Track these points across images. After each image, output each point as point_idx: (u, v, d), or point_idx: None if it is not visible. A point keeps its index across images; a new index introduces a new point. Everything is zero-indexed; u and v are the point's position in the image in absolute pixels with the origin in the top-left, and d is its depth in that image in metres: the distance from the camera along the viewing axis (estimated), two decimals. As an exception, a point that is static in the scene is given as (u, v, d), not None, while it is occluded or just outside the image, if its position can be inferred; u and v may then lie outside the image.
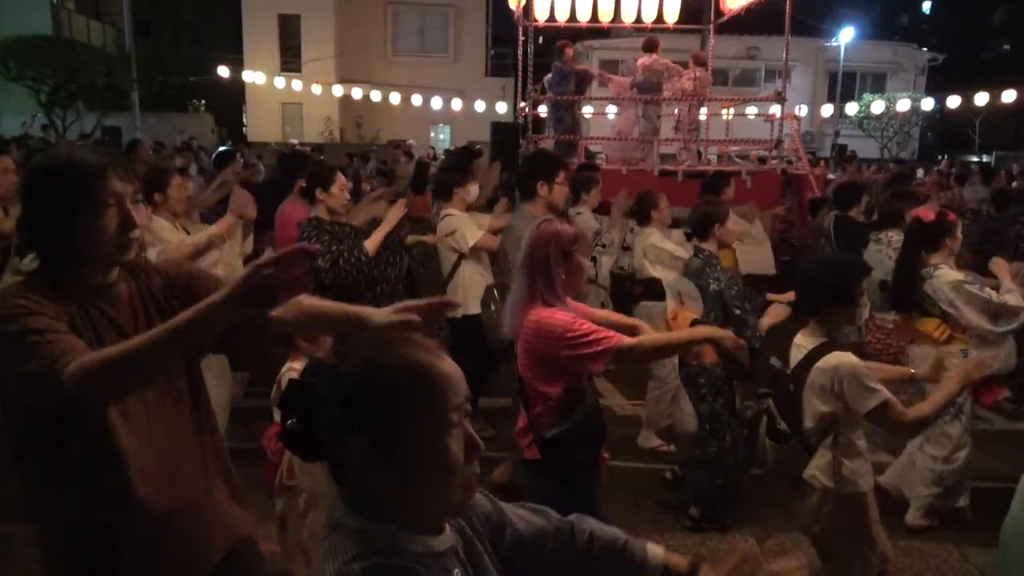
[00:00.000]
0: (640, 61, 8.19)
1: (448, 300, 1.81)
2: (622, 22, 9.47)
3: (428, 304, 1.67)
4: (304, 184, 3.68)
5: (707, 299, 3.45)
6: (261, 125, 22.93)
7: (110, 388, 1.34)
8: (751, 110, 13.70)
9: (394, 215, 3.73)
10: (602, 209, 5.05)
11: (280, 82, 19.08)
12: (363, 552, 1.00)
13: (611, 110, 11.76)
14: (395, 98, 18.20)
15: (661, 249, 4.38)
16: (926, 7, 39.30)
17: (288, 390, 1.08)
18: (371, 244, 3.62)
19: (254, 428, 4.55)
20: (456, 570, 1.08)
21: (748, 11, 9.05)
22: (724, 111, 10.41)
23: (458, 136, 22.67)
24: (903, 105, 19.26)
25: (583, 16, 9.32)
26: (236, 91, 23.06)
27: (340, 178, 3.73)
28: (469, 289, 4.30)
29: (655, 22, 9.42)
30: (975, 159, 24.87)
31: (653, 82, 8.20)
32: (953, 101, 16.25)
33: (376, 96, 18.54)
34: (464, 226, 4.36)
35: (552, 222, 2.51)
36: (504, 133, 7.81)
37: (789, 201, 7.30)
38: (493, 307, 3.59)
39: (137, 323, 1.57)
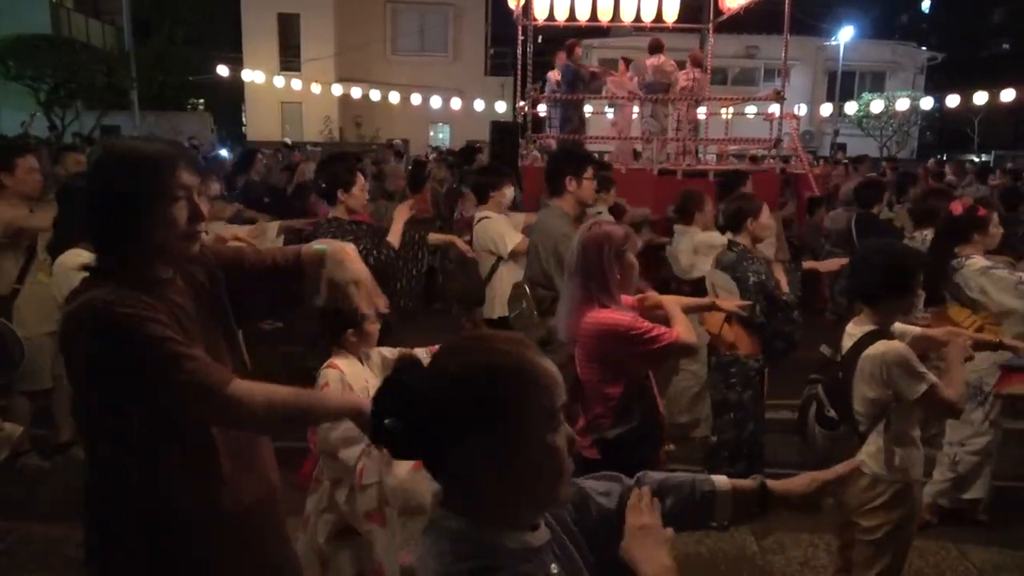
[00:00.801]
0: (649, 62, 8.21)
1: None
2: (621, 21, 9.46)
3: None
4: (324, 185, 3.71)
5: (748, 291, 3.44)
6: (260, 124, 22.92)
7: (252, 422, 1.50)
8: (750, 109, 13.70)
9: (402, 212, 3.76)
10: (613, 212, 5.08)
11: (279, 81, 19.06)
12: (466, 552, 1.00)
13: (609, 110, 11.77)
14: (394, 97, 18.19)
15: (713, 245, 4.35)
16: (925, 6, 39.31)
17: (386, 388, 1.07)
18: (394, 238, 3.65)
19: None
20: (552, 564, 1.09)
21: (747, 10, 9.05)
22: (723, 110, 10.41)
23: (457, 135, 22.67)
24: (902, 104, 19.28)
25: (582, 15, 9.31)
26: (235, 90, 23.05)
27: (360, 179, 3.75)
28: (506, 291, 4.30)
29: (654, 21, 9.41)
30: (974, 158, 24.89)
31: (663, 83, 8.22)
32: (952, 100, 16.25)
33: (375, 95, 18.54)
34: (503, 230, 4.39)
35: (601, 224, 2.53)
36: (504, 132, 7.81)
37: (788, 200, 7.31)
38: (524, 304, 3.67)
39: (199, 316, 1.59)
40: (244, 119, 25.14)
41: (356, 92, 18.88)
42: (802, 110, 16.00)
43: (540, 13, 8.86)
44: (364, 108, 21.78)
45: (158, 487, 1.51)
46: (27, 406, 4.08)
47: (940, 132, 29.57)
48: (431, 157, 13.00)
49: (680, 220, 4.84)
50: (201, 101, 26.90)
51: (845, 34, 24.19)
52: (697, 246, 4.50)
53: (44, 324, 3.85)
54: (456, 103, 17.98)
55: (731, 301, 3.28)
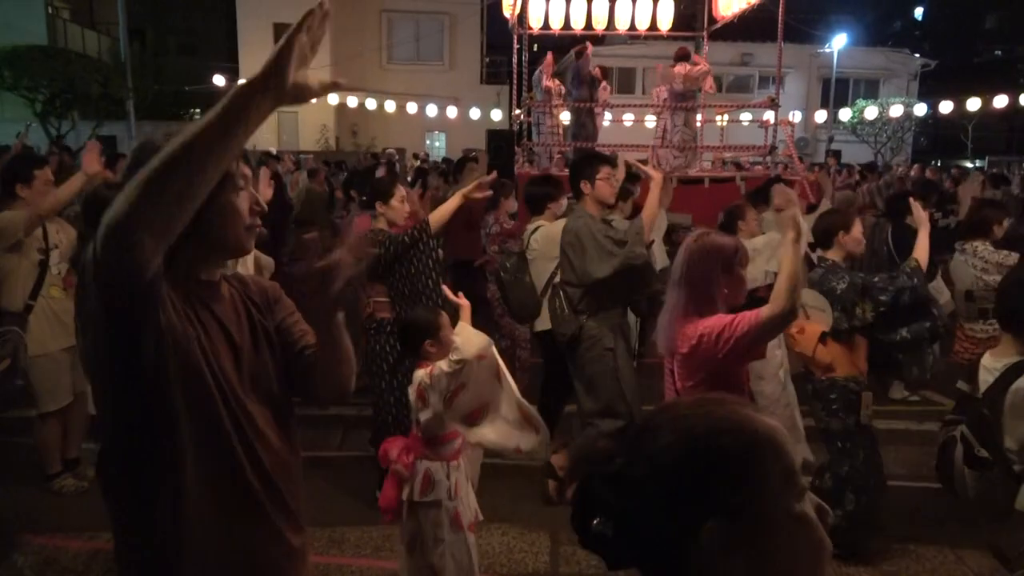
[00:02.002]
0: (677, 69, 8.20)
1: None
2: (616, 29, 9.53)
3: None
4: (364, 197, 3.74)
5: (839, 301, 3.27)
6: (256, 133, 22.78)
7: (150, 211, 1.14)
8: (745, 116, 13.77)
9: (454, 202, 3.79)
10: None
11: (275, 90, 19.08)
12: None
13: (627, 117, 11.81)
14: (390, 106, 18.22)
15: (755, 249, 4.27)
16: (918, 13, 39.56)
17: (591, 487, 0.88)
18: (435, 218, 3.72)
19: (323, 435, 4.62)
20: None
21: (741, 18, 9.11)
22: (718, 117, 10.46)
23: (454, 143, 22.70)
24: (896, 111, 19.39)
25: (577, 23, 9.37)
26: (232, 99, 23.05)
27: (400, 190, 3.79)
28: None
29: (649, 29, 9.48)
30: (968, 164, 25.01)
31: (693, 90, 8.25)
32: (946, 107, 16.35)
33: (371, 104, 18.57)
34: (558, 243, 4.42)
35: (709, 235, 2.46)
36: (500, 140, 7.84)
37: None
38: (558, 303, 3.82)
39: (240, 325, 1.50)
40: (240, 128, 25.13)
41: (352, 101, 18.91)
42: (797, 117, 16.08)
43: (535, 22, 8.92)
44: (360, 117, 21.81)
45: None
46: (56, 428, 4.02)
47: (934, 138, 29.73)
48: (413, 165, 13.01)
49: (725, 231, 4.77)
50: (197, 111, 26.94)
51: (839, 41, 24.35)
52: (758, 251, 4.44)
53: (60, 340, 3.80)
54: (452, 111, 18.02)
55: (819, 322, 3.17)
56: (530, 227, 4.55)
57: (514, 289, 4.37)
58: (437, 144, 24.44)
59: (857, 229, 3.51)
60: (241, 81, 1.07)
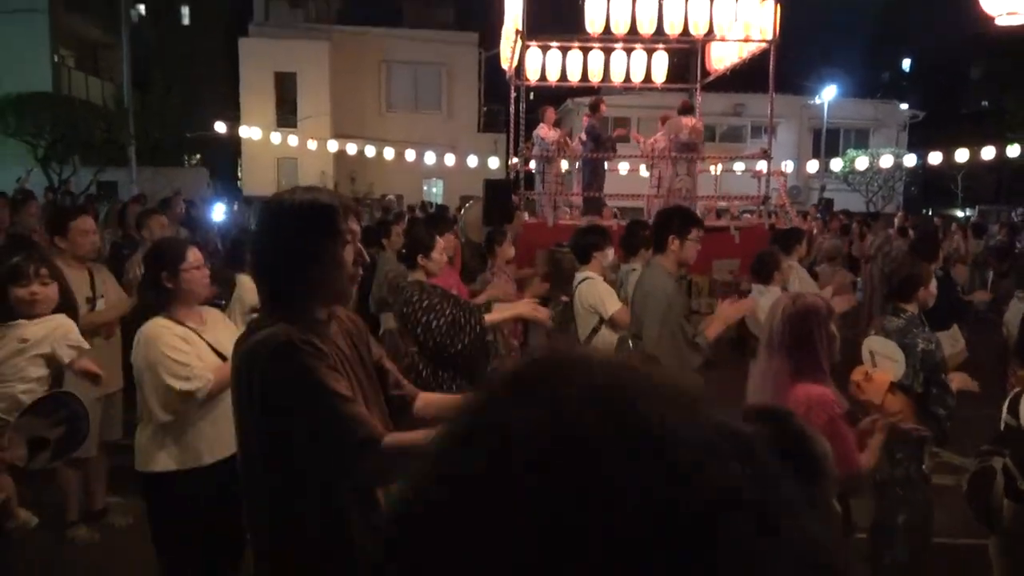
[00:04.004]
0: (684, 121, 8.43)
1: None
2: (611, 81, 9.74)
3: None
4: (405, 250, 3.73)
5: (914, 358, 3.27)
6: (256, 179, 23.15)
7: (397, 475, 1.47)
8: (738, 166, 13.99)
9: (527, 308, 3.63)
10: None
11: (276, 137, 19.36)
12: None
13: (622, 167, 12.03)
14: (389, 153, 18.47)
15: None
16: (906, 65, 40.49)
17: None
18: (492, 318, 3.57)
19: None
20: None
21: (733, 70, 9.34)
22: (712, 167, 10.65)
23: (451, 190, 22.94)
24: (886, 161, 19.70)
25: (573, 76, 9.59)
26: (232, 145, 23.38)
27: (440, 243, 3.76)
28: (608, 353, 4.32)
29: (643, 81, 9.69)
30: (959, 212, 25.31)
31: (696, 142, 8.45)
32: (935, 157, 16.63)
33: (370, 151, 18.82)
34: (605, 295, 4.45)
35: (804, 296, 2.52)
36: (497, 189, 7.95)
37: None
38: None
39: (352, 360, 1.68)
40: (240, 174, 25.41)
41: (351, 148, 19.17)
42: (789, 166, 16.33)
43: (532, 73, 9.12)
44: (359, 163, 22.08)
45: (332, 517, 1.57)
46: (76, 475, 4.02)
47: (925, 187, 30.12)
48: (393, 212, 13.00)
49: (759, 279, 4.82)
50: (198, 156, 27.23)
51: (828, 93, 24.86)
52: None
53: (97, 388, 3.77)
54: (450, 159, 18.26)
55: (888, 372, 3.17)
56: (578, 276, 4.59)
57: (560, 339, 4.41)
58: (434, 191, 24.68)
59: (933, 284, 3.56)
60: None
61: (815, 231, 10.46)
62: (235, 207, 10.42)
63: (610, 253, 4.70)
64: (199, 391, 2.59)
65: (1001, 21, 5.73)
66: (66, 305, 3.02)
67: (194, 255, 2.81)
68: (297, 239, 1.60)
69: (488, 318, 3.55)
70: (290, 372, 1.48)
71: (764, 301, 4.58)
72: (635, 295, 3.75)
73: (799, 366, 2.39)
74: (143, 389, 2.66)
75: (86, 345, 3.08)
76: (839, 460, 2.23)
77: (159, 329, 2.64)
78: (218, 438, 2.75)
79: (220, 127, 19.16)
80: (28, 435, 2.42)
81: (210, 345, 2.72)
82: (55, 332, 2.93)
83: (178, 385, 2.57)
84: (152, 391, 2.62)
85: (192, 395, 2.59)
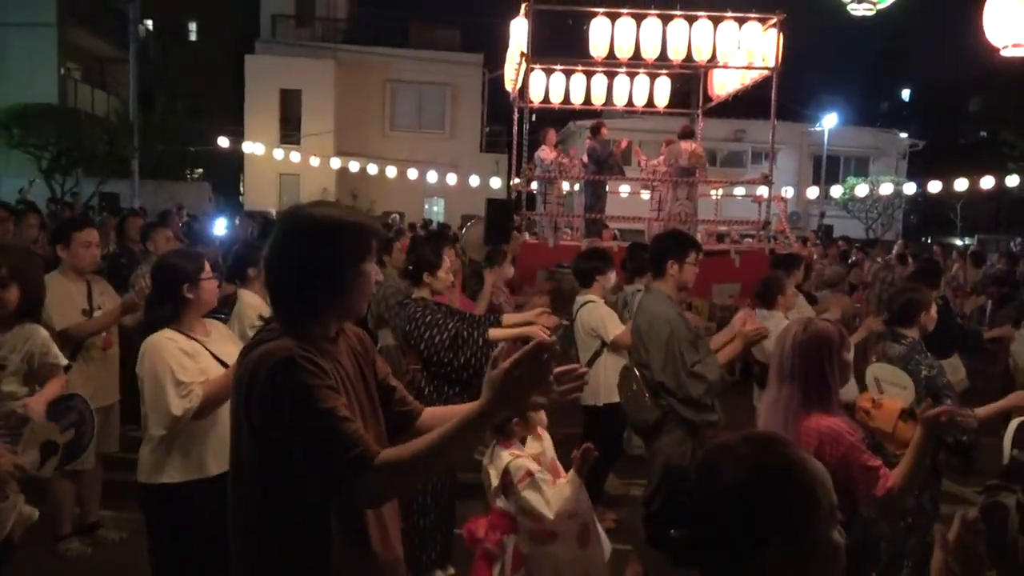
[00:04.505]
0: (684, 146, 8.49)
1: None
2: (614, 105, 9.82)
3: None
4: (411, 267, 3.70)
5: (918, 384, 3.20)
6: (258, 194, 23.24)
7: (397, 490, 1.56)
8: (739, 191, 14.06)
9: (539, 321, 3.66)
10: None
11: (279, 153, 19.48)
12: None
13: (623, 189, 12.11)
14: (391, 171, 18.56)
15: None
16: (905, 95, 40.85)
17: (665, 496, 1.07)
18: (496, 334, 3.55)
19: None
20: None
21: (735, 97, 9.42)
22: (712, 192, 10.71)
23: (452, 209, 23.03)
24: (886, 189, 19.80)
25: (577, 99, 9.67)
26: (235, 160, 23.48)
27: (446, 261, 3.74)
28: (610, 378, 4.28)
29: (646, 105, 9.77)
30: (958, 241, 25.40)
31: (696, 167, 8.51)
32: (934, 186, 16.72)
33: (373, 169, 18.92)
34: (608, 316, 4.46)
35: (815, 323, 2.43)
36: (498, 209, 7.99)
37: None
38: (635, 387, 3.52)
39: (354, 378, 1.67)
40: (242, 188, 25.50)
41: (354, 165, 19.27)
42: (789, 192, 16.42)
43: (535, 96, 9.19)
44: (361, 181, 22.17)
45: (315, 536, 1.56)
46: (70, 488, 3.97)
47: (924, 215, 30.26)
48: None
49: (763, 304, 4.78)
50: (200, 170, 27.35)
51: (829, 120, 25.09)
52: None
53: (96, 399, 3.67)
54: (452, 178, 18.35)
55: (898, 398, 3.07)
56: (580, 299, 4.57)
57: (561, 362, 4.36)
58: (435, 209, 24.77)
59: (933, 308, 3.53)
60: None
61: (815, 257, 10.49)
62: (236, 221, 10.44)
63: (612, 277, 4.70)
64: (186, 413, 2.57)
65: (1006, 53, 5.75)
66: (28, 308, 2.90)
67: (207, 265, 2.84)
68: (321, 255, 1.58)
69: (493, 333, 3.55)
70: (287, 388, 1.47)
71: (770, 325, 4.58)
72: (637, 321, 3.67)
73: (809, 396, 2.32)
74: (144, 401, 2.65)
75: (64, 361, 3.03)
76: (866, 488, 2.21)
77: (166, 342, 2.63)
78: (223, 450, 2.72)
79: (223, 142, 19.27)
80: (42, 440, 2.37)
81: (215, 356, 2.72)
82: (25, 346, 2.86)
83: (174, 406, 2.56)
84: (151, 405, 2.61)
85: (180, 418, 2.57)
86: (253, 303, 3.74)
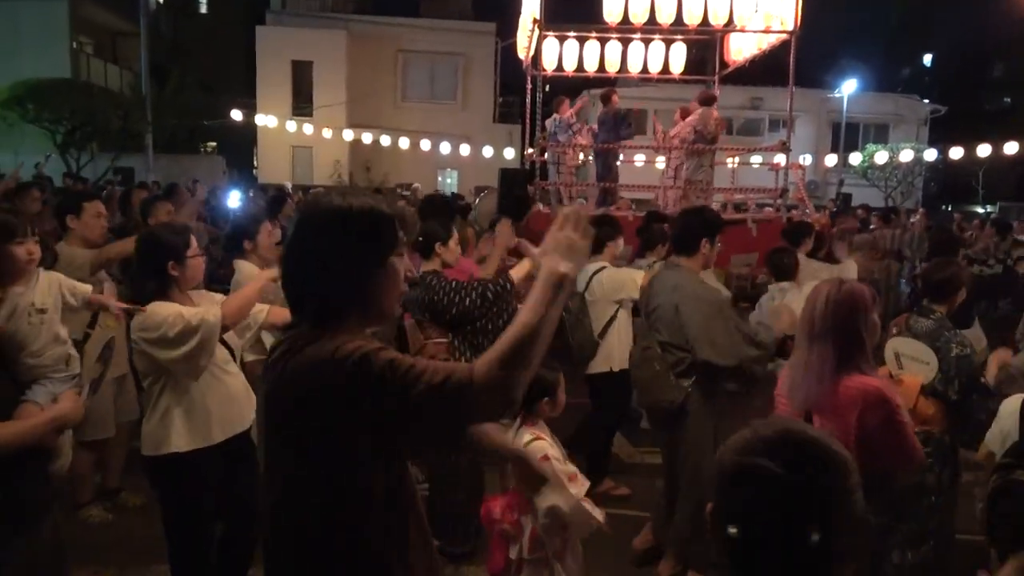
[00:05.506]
0: (713, 113, 8.38)
1: None
2: (628, 72, 9.66)
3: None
4: (422, 239, 3.70)
5: (947, 364, 3.13)
6: (271, 167, 23.25)
7: (518, 374, 1.35)
8: (755, 159, 13.87)
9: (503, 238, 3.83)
10: None
11: (292, 126, 19.41)
12: None
13: (638, 158, 11.99)
14: (404, 143, 18.46)
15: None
16: (927, 60, 39.96)
17: (738, 493, 1.04)
18: (515, 274, 3.61)
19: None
20: None
21: (752, 63, 9.23)
22: (729, 160, 10.55)
23: (466, 181, 22.92)
24: (906, 156, 19.45)
25: (590, 67, 9.52)
26: (248, 134, 23.46)
27: (456, 232, 3.80)
28: (624, 345, 4.33)
29: (661, 72, 9.60)
30: (979, 209, 25.01)
31: (716, 134, 8.39)
32: (956, 152, 16.39)
33: (385, 141, 18.82)
34: (626, 279, 4.42)
35: (845, 283, 2.41)
36: (512, 178, 7.92)
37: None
38: (658, 367, 3.45)
39: None
40: (255, 162, 25.51)
41: (367, 137, 19.17)
42: (807, 160, 16.18)
43: (549, 64, 9.05)
44: (374, 153, 22.09)
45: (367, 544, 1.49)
46: (91, 457, 4.05)
47: (944, 183, 29.77)
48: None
49: (779, 278, 4.78)
50: (213, 144, 27.35)
51: (848, 87, 24.59)
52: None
53: (111, 369, 3.78)
54: (465, 149, 18.23)
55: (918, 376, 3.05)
56: (591, 267, 4.50)
57: (576, 331, 4.32)
58: (448, 181, 24.69)
59: (964, 290, 3.46)
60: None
61: (826, 224, 10.34)
62: (250, 194, 10.41)
63: (621, 243, 4.69)
64: (207, 320, 2.59)
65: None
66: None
67: (195, 241, 2.81)
68: (358, 250, 1.48)
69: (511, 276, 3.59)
70: (375, 367, 1.36)
71: (791, 297, 4.53)
72: (664, 299, 3.50)
73: (844, 355, 2.30)
74: (150, 352, 2.64)
75: (88, 288, 3.13)
76: (901, 453, 2.21)
77: (158, 306, 2.65)
78: (226, 416, 2.79)
79: (236, 115, 19.22)
80: (91, 378, 2.50)
81: None
82: (52, 289, 2.98)
83: (188, 315, 2.58)
84: (167, 336, 2.59)
85: (199, 327, 2.58)
86: (251, 273, 3.74)
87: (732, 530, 0.98)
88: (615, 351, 4.40)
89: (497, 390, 1.33)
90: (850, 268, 5.49)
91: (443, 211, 5.08)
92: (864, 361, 2.31)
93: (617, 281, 4.44)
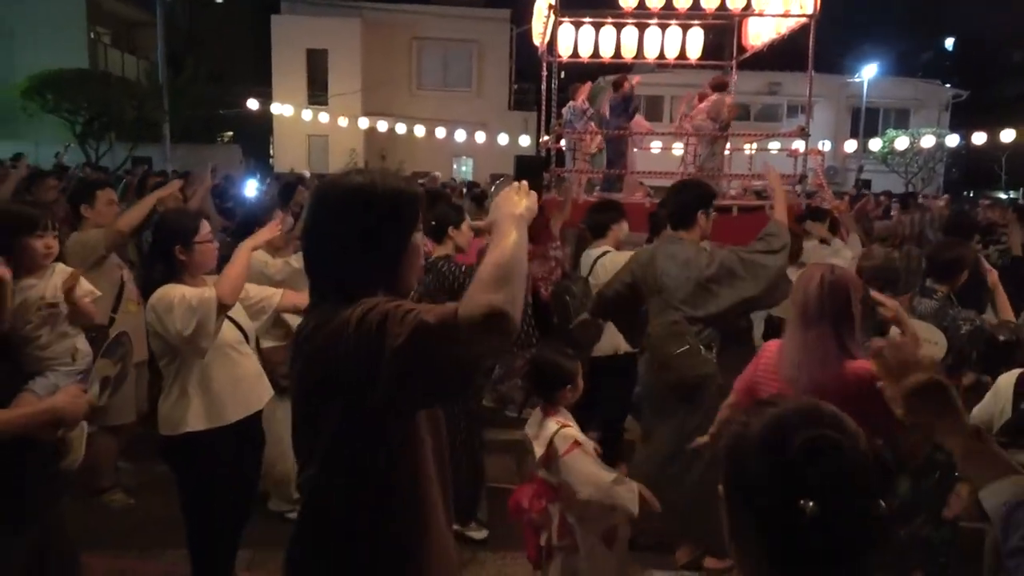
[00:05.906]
0: (727, 100, 8.34)
1: None
2: (645, 58, 9.57)
3: None
4: (434, 223, 3.71)
5: (959, 341, 3.14)
6: (287, 156, 23.33)
7: (501, 297, 1.29)
8: (774, 145, 13.73)
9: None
10: None
11: (307, 115, 19.44)
12: None
13: (655, 145, 11.91)
14: (419, 131, 18.45)
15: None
16: (948, 44, 39.32)
17: (804, 463, 0.97)
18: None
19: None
20: None
21: (770, 47, 9.11)
22: (747, 146, 10.44)
23: (481, 168, 22.89)
24: (927, 141, 19.18)
25: (606, 52, 9.43)
26: (264, 123, 23.53)
27: (468, 217, 3.85)
28: None
29: (678, 58, 9.50)
30: (1002, 195, 24.64)
31: (728, 120, 8.34)
32: (979, 138, 16.15)
33: (401, 129, 18.82)
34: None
35: (835, 269, 2.45)
36: (528, 165, 7.89)
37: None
38: (689, 341, 3.42)
39: None
40: (271, 151, 25.61)
41: (382, 125, 19.18)
42: (826, 146, 16.00)
43: (564, 50, 8.98)
44: (389, 141, 22.10)
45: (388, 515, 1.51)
46: (113, 443, 4.08)
47: (967, 169, 29.35)
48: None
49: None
50: (230, 133, 27.46)
51: (868, 71, 24.25)
52: None
53: (134, 354, 3.88)
54: (480, 137, 18.19)
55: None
56: (594, 252, 4.51)
57: (581, 315, 4.29)
58: (464, 168, 24.66)
59: (967, 270, 3.48)
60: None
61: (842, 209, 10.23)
62: (268, 183, 10.45)
63: (625, 226, 4.66)
64: (204, 298, 2.62)
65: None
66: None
67: (205, 227, 2.82)
68: (382, 228, 1.47)
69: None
70: (375, 328, 1.34)
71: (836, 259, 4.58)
72: (679, 272, 3.52)
73: (843, 339, 2.33)
74: (163, 330, 2.66)
75: (97, 292, 3.14)
76: (904, 434, 2.16)
77: (170, 288, 2.69)
78: (240, 397, 2.84)
79: (252, 104, 19.29)
80: (102, 375, 2.46)
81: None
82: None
83: (189, 296, 2.62)
84: (173, 318, 2.61)
85: (199, 307, 2.60)
86: (261, 261, 3.75)
87: (810, 505, 0.91)
88: (616, 336, 4.35)
89: (485, 316, 1.28)
90: (850, 245, 5.47)
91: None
92: (856, 345, 2.34)
93: (621, 265, 4.41)
